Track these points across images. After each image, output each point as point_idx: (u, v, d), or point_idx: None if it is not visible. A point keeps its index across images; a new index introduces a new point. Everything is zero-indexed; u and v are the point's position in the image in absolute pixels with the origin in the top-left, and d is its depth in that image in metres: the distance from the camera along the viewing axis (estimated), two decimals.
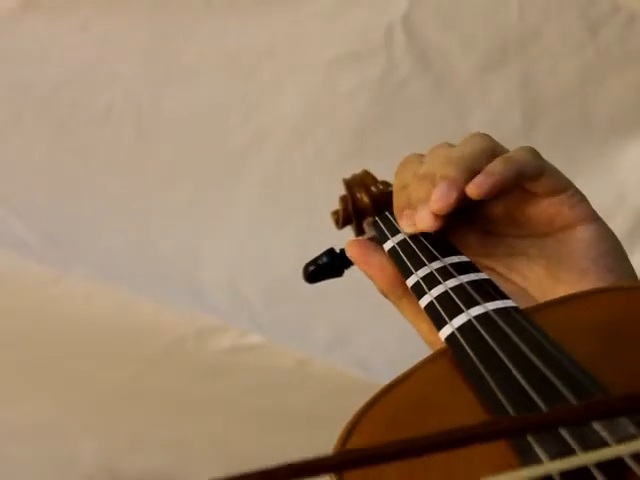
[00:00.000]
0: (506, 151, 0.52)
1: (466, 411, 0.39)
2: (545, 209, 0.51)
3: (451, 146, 0.53)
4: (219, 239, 1.21)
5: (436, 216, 0.49)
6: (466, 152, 0.50)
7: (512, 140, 1.12)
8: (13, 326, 1.18)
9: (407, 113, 1.17)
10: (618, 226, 1.11)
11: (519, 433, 0.34)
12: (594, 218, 0.52)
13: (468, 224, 0.54)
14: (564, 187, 0.51)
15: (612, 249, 0.52)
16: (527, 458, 0.34)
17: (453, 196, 0.48)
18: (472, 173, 0.49)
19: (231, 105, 1.18)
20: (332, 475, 0.35)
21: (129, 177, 1.20)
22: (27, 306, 1.16)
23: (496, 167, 0.49)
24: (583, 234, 0.51)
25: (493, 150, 0.51)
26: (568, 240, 0.51)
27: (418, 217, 0.50)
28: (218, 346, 1.16)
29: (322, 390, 1.16)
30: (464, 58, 1.15)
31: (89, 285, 1.15)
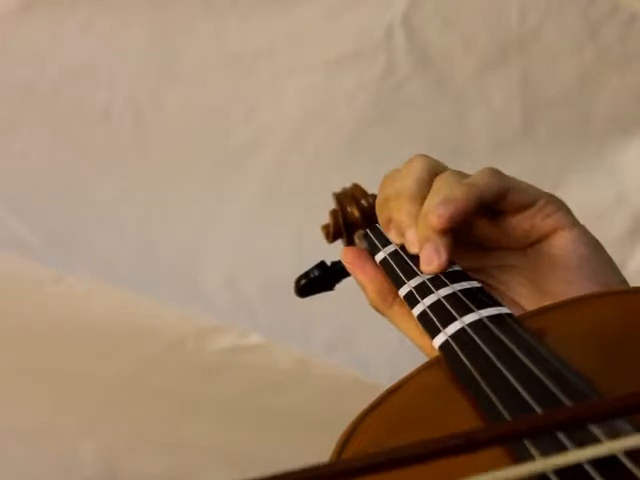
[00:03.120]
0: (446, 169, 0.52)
1: (462, 419, 0.39)
2: (518, 225, 0.51)
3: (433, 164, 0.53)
4: (219, 239, 1.21)
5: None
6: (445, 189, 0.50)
7: (512, 140, 1.12)
8: (13, 326, 1.18)
9: (407, 113, 1.17)
10: (618, 226, 1.11)
11: (516, 438, 0.33)
12: (572, 225, 0.51)
13: (455, 238, 0.54)
14: (532, 201, 0.51)
15: (594, 256, 0.51)
16: (519, 454, 0.33)
17: (444, 257, 0.48)
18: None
19: (231, 105, 1.18)
20: None
21: (129, 177, 1.20)
22: (27, 306, 1.16)
23: (455, 193, 0.48)
24: (560, 241, 0.51)
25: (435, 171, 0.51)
26: (547, 250, 0.51)
27: (407, 240, 0.50)
28: (218, 346, 1.16)
29: (322, 390, 1.16)
30: (464, 58, 1.15)
31: (89, 285, 1.15)
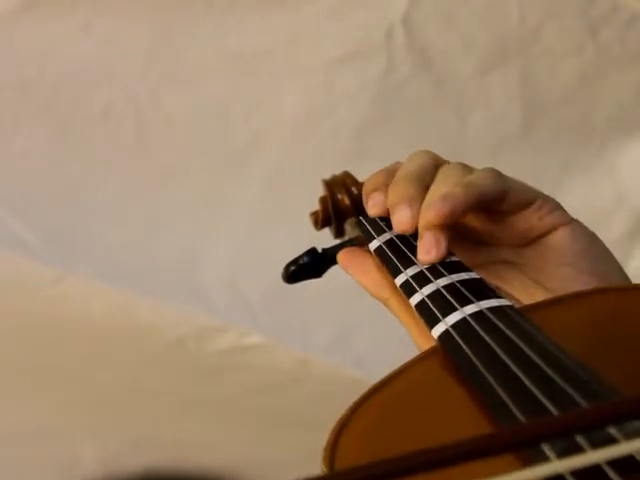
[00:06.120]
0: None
1: (462, 409, 0.39)
2: (516, 224, 0.52)
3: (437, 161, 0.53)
4: (219, 239, 1.21)
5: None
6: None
7: (512, 140, 1.12)
8: (13, 326, 1.18)
9: (407, 113, 1.17)
10: (618, 226, 1.11)
11: (532, 443, 0.32)
12: (568, 221, 0.52)
13: (451, 233, 0.55)
14: (530, 201, 0.51)
15: (591, 248, 0.52)
16: (534, 456, 0.32)
17: (442, 247, 0.48)
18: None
19: (231, 105, 1.18)
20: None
21: (129, 177, 1.20)
22: (27, 306, 1.16)
23: (455, 191, 0.49)
24: (556, 238, 0.51)
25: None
26: (544, 248, 0.52)
27: (395, 219, 0.50)
28: (218, 346, 1.16)
29: (322, 390, 1.16)
30: (464, 58, 1.15)
31: (89, 285, 1.14)
